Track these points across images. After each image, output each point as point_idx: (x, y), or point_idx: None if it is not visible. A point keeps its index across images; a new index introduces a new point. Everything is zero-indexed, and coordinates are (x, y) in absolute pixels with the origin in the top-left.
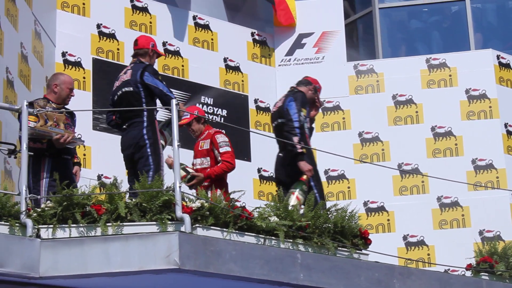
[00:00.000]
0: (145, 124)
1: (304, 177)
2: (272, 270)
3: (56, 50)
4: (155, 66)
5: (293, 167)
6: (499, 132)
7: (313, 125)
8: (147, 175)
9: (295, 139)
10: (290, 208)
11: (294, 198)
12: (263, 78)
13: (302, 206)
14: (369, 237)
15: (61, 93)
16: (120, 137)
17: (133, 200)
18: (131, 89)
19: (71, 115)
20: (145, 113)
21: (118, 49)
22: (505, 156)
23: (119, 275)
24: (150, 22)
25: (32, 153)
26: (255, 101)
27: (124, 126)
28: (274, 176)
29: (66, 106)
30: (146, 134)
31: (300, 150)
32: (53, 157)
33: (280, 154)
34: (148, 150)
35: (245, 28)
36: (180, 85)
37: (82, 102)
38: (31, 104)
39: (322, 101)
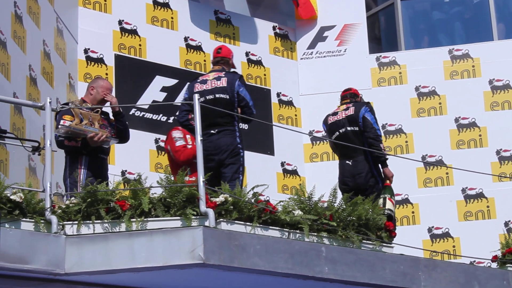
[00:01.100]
0: (237, 133)
1: (388, 182)
2: (296, 263)
3: (78, 47)
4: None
5: (366, 175)
6: None
7: None
8: (235, 183)
9: (382, 146)
10: (387, 212)
11: (389, 202)
12: (285, 72)
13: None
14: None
15: (96, 96)
16: (142, 132)
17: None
18: (227, 97)
19: (106, 117)
20: (235, 122)
21: (140, 45)
22: None
23: (144, 270)
24: (172, 18)
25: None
26: (278, 94)
27: (212, 131)
28: (340, 184)
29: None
30: (240, 143)
31: (386, 157)
32: (90, 156)
33: (348, 162)
34: (242, 159)
35: (267, 22)
36: None
37: None
38: (67, 104)
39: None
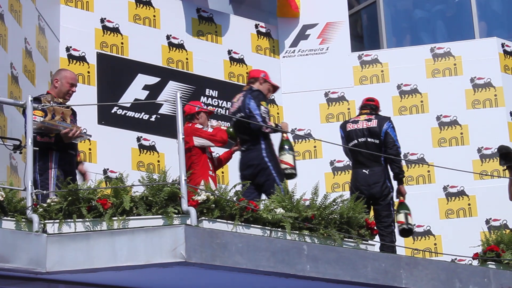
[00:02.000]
0: (263, 146)
1: (402, 198)
2: (278, 262)
3: (60, 45)
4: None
5: (382, 185)
6: (504, 120)
7: None
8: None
9: (402, 163)
10: (409, 226)
11: (410, 217)
12: (268, 70)
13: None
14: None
15: (61, 88)
16: (124, 130)
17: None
18: (243, 115)
19: (73, 112)
20: (261, 137)
21: (122, 43)
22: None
23: (126, 269)
24: (154, 16)
25: (37, 148)
26: None
27: (242, 148)
28: (353, 190)
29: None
30: (266, 157)
31: (404, 175)
32: (60, 151)
33: (364, 171)
34: (273, 172)
35: (249, 20)
36: (185, 78)
37: (87, 97)
38: (37, 99)
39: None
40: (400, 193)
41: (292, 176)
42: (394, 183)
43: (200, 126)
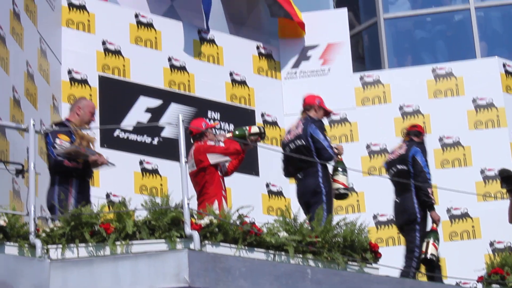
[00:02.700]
0: (320, 173)
1: (435, 225)
2: (282, 286)
3: (62, 68)
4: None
5: (408, 214)
6: (507, 141)
7: None
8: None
9: (430, 190)
10: (429, 256)
11: (431, 247)
12: (270, 92)
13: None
14: (379, 250)
15: (84, 117)
16: (126, 153)
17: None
18: (304, 143)
19: None
20: (319, 163)
21: (124, 65)
22: None
23: None
24: (156, 38)
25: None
26: (262, 115)
27: (299, 176)
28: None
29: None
30: (322, 183)
31: (433, 202)
32: (79, 178)
33: (397, 200)
34: (324, 197)
35: (250, 41)
36: (187, 100)
37: None
38: (61, 124)
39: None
40: (433, 220)
41: (345, 196)
42: None
43: (212, 143)
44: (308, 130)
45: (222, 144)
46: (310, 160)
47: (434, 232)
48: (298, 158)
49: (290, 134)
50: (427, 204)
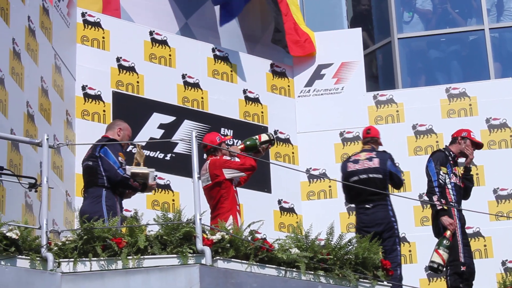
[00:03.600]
0: (389, 207)
1: (448, 232)
2: None
3: (76, 84)
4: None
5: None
6: None
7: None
8: (395, 253)
9: (434, 198)
10: (429, 264)
11: (435, 254)
12: (283, 110)
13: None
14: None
15: (123, 139)
16: None
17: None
18: (381, 176)
19: None
20: (387, 197)
21: (138, 82)
22: None
23: None
24: (170, 55)
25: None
26: (275, 132)
27: (367, 206)
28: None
29: None
30: (392, 216)
31: (439, 207)
32: (120, 196)
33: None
34: (396, 232)
35: (264, 59)
36: (200, 117)
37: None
38: (114, 141)
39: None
40: (442, 226)
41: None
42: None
43: (228, 158)
44: (387, 165)
45: (237, 159)
46: (383, 193)
47: (443, 239)
48: (371, 190)
49: (356, 163)
50: (435, 211)
